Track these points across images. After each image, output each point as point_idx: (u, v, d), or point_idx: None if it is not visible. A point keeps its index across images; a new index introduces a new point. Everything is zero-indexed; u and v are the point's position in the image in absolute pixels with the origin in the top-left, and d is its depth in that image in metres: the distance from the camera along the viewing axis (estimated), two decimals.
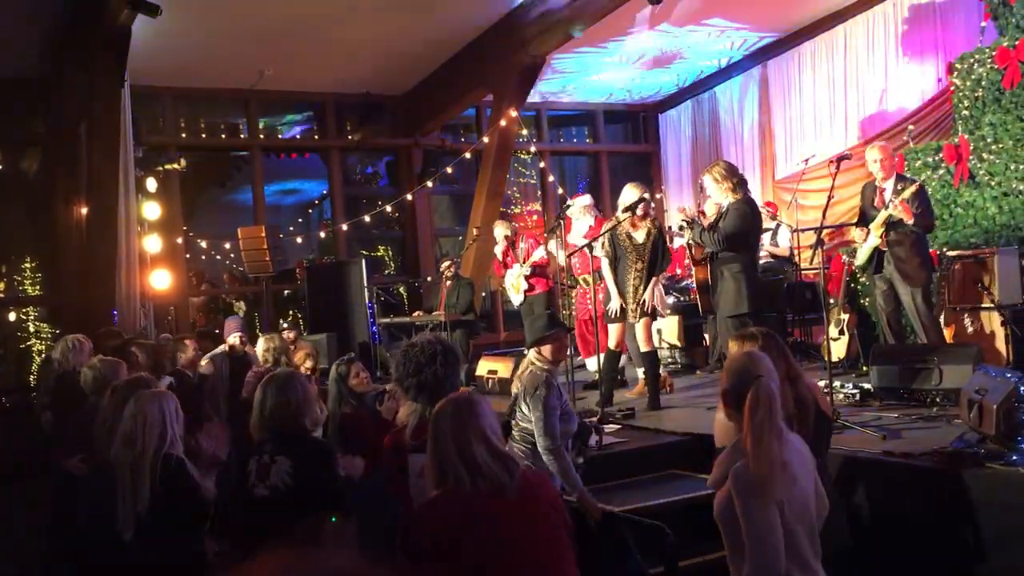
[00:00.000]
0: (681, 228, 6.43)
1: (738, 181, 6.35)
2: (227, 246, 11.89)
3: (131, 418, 3.64)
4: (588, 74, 12.84)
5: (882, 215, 6.71)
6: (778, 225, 9.74)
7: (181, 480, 3.61)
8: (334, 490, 3.55)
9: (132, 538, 3.51)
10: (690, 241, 10.02)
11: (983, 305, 7.08)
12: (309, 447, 3.62)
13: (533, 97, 11.79)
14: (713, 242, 6.27)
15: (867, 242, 6.85)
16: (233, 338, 8.04)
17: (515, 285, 9.31)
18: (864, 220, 6.95)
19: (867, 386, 6.42)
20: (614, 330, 7.11)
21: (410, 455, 3.35)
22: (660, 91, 14.31)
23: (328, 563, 0.92)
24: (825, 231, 6.49)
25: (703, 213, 10.15)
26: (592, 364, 8.11)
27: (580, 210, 8.38)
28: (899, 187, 6.74)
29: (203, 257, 12.92)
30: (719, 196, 6.42)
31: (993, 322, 6.95)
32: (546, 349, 4.49)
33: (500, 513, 2.68)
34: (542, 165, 13.70)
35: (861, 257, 6.98)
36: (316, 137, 13.18)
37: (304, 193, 14.38)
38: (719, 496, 2.82)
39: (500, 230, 9.49)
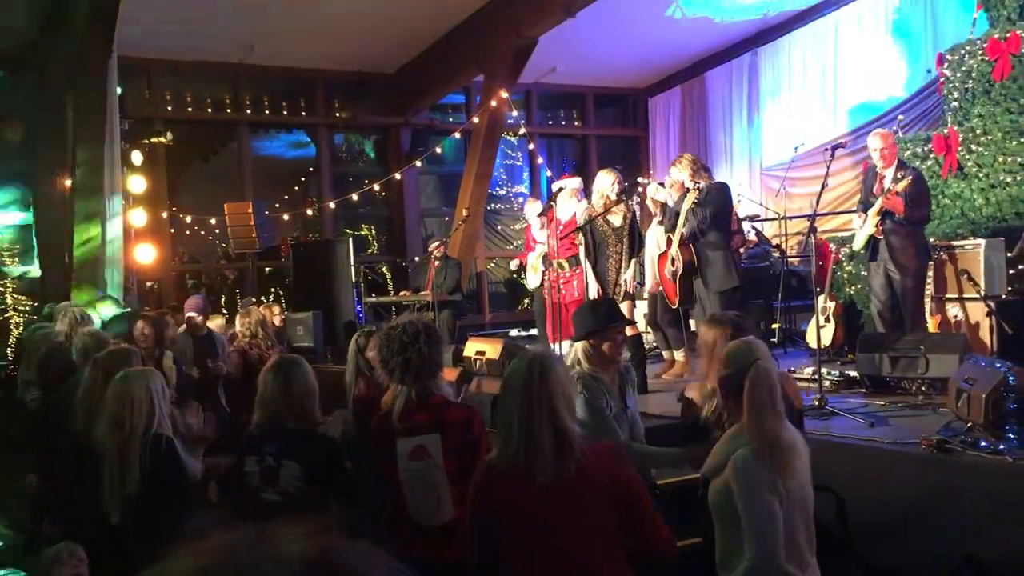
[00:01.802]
0: (685, 192, 6.49)
1: (705, 167, 6.70)
2: (213, 221, 11.80)
3: (117, 398, 3.52)
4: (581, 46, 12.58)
5: (878, 203, 6.75)
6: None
7: (171, 462, 3.52)
8: (346, 486, 3.47)
9: (120, 521, 3.43)
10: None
11: (968, 296, 7.14)
12: (317, 446, 3.49)
13: (524, 77, 11.75)
14: (702, 219, 6.33)
15: (863, 228, 6.88)
16: (190, 313, 7.92)
17: (535, 266, 9.28)
18: (865, 207, 7.00)
19: (853, 373, 6.47)
20: None
21: (399, 439, 3.32)
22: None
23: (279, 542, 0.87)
24: (814, 218, 6.51)
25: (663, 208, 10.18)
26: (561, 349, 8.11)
27: (569, 192, 8.35)
28: (899, 175, 6.76)
29: (187, 232, 12.82)
30: (690, 183, 6.52)
31: (978, 312, 7.00)
32: (601, 345, 3.78)
33: (541, 500, 2.66)
34: (531, 147, 13.67)
35: (858, 243, 7.02)
36: (304, 113, 13.09)
37: (298, 156, 14.09)
38: (716, 485, 2.82)
39: (531, 208, 9.47)
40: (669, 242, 6.77)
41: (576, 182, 8.53)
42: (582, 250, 7.06)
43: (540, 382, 2.73)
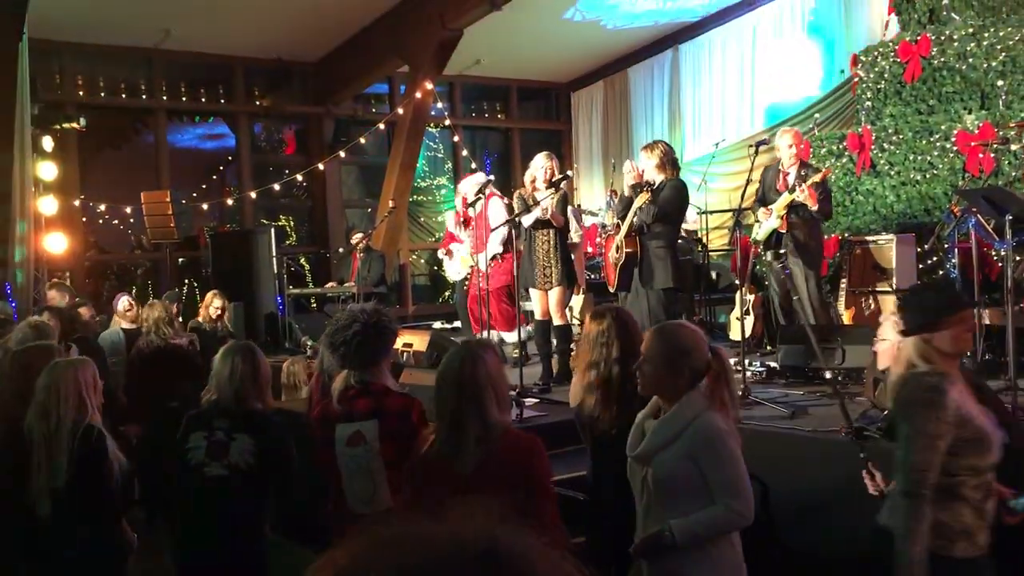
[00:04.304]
0: (638, 189, 6.46)
1: (674, 162, 6.56)
2: (128, 210, 11.45)
3: (44, 389, 3.46)
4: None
5: (785, 198, 6.97)
6: None
7: (100, 454, 3.46)
8: (291, 469, 3.50)
9: (48, 514, 3.37)
10: (605, 221, 10.16)
11: (880, 289, 7.42)
12: (272, 425, 3.53)
13: (448, 69, 11.71)
14: (649, 215, 6.38)
15: (767, 222, 7.11)
16: (123, 303, 7.73)
17: (464, 259, 9.25)
18: (763, 202, 7.24)
19: (773, 364, 6.67)
20: (538, 300, 7.11)
21: (338, 424, 3.34)
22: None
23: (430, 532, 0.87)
24: (739, 213, 6.69)
25: (615, 192, 10.31)
26: (510, 338, 8.13)
27: (472, 186, 8.27)
28: (803, 172, 7.02)
29: (100, 222, 12.41)
30: (652, 173, 6.51)
31: (889, 305, 7.28)
32: (943, 337, 2.88)
33: (458, 486, 2.75)
34: (456, 139, 13.64)
35: (760, 235, 7.24)
36: (223, 101, 12.80)
37: (216, 144, 13.72)
38: (668, 458, 2.90)
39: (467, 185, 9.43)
40: (618, 228, 6.82)
41: (480, 176, 8.48)
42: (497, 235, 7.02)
43: (471, 372, 2.85)
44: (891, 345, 3.99)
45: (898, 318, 3.50)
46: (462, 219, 8.69)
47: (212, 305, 8.00)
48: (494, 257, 8.07)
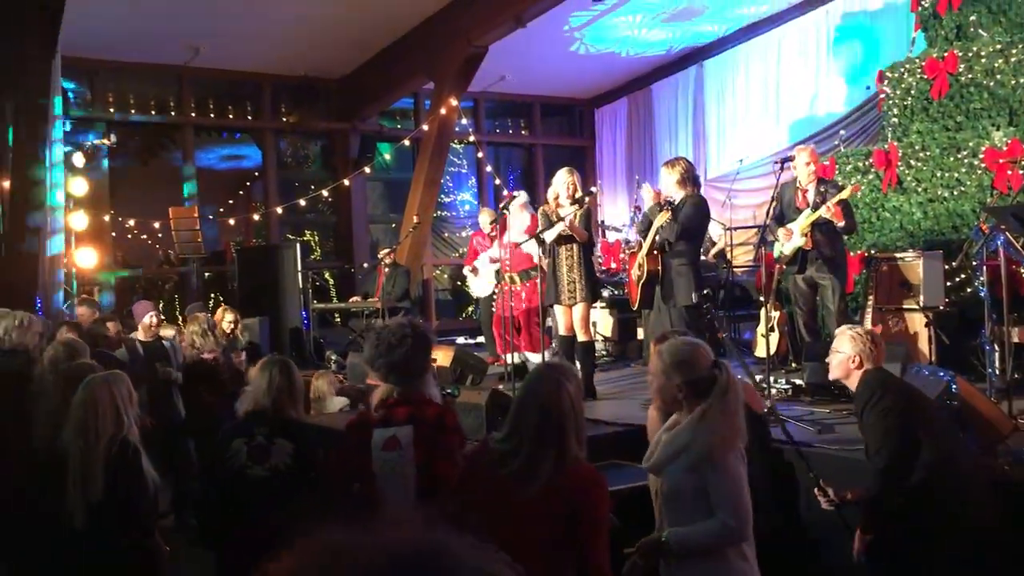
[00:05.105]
0: (662, 207, 6.47)
1: (695, 179, 6.56)
2: (156, 225, 11.59)
3: (81, 405, 3.53)
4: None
5: (809, 216, 6.93)
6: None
7: (136, 468, 3.54)
8: (322, 473, 3.63)
9: (84, 528, 3.43)
10: (629, 237, 10.14)
11: (907, 306, 7.36)
12: (308, 432, 3.73)
13: (473, 86, 11.79)
14: (672, 233, 6.39)
15: (791, 242, 7.07)
16: (149, 318, 7.69)
17: (490, 276, 9.32)
18: (780, 220, 7.20)
19: (799, 382, 6.62)
20: (561, 316, 7.11)
21: (375, 430, 3.40)
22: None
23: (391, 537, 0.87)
24: (765, 229, 6.68)
25: (638, 209, 10.32)
26: (535, 358, 8.13)
27: (518, 208, 8.39)
28: (822, 189, 6.98)
29: (128, 236, 12.57)
30: (672, 189, 6.52)
31: (917, 323, 7.22)
32: None
33: (514, 509, 2.74)
34: (480, 155, 13.70)
35: (787, 251, 7.19)
36: (250, 117, 12.95)
37: (243, 161, 13.89)
38: (675, 471, 2.99)
39: (485, 218, 9.53)
40: (640, 245, 6.83)
41: (524, 197, 8.58)
42: (538, 254, 7.05)
43: (556, 399, 2.84)
44: (845, 357, 3.97)
45: (853, 333, 3.82)
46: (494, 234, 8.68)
47: (225, 320, 8.02)
48: (530, 276, 8.11)
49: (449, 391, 5.53)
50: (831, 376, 4.23)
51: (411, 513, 0.91)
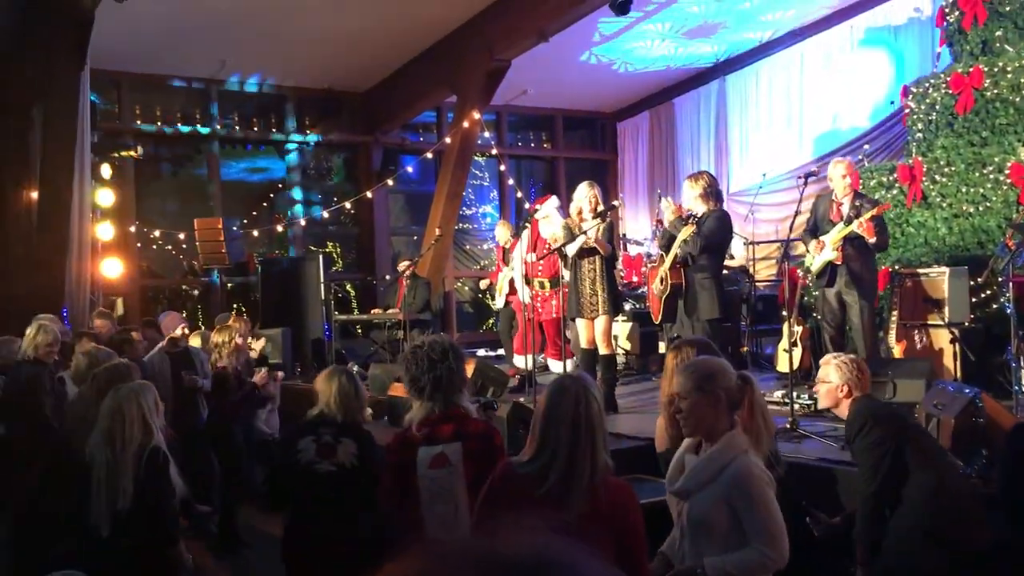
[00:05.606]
0: (686, 220, 6.48)
1: (718, 193, 6.57)
2: (181, 236, 11.70)
3: (108, 414, 3.58)
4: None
5: (841, 230, 6.87)
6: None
7: (164, 476, 3.58)
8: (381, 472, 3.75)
9: (110, 535, 3.46)
10: (651, 251, 10.13)
11: (932, 322, 7.30)
12: (368, 436, 3.96)
13: (495, 99, 11.84)
14: (695, 247, 6.39)
15: (822, 255, 7.01)
16: (180, 330, 7.78)
17: (500, 287, 9.31)
18: (814, 233, 7.14)
19: None
20: (583, 329, 7.09)
21: (420, 448, 3.37)
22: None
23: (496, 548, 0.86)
24: (788, 244, 6.65)
25: (660, 222, 10.29)
26: (557, 367, 8.12)
27: (555, 210, 8.30)
28: (857, 203, 6.92)
29: (153, 247, 12.70)
30: (694, 203, 6.53)
31: (942, 339, 7.16)
32: None
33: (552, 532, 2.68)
34: (502, 168, 13.75)
35: (815, 267, 7.14)
36: (274, 130, 13.06)
37: (267, 173, 13.97)
38: (705, 499, 2.91)
39: (502, 231, 9.57)
40: (662, 259, 6.82)
41: (555, 201, 8.53)
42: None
43: (585, 410, 2.75)
44: (833, 387, 3.97)
45: (838, 362, 3.84)
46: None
47: (232, 331, 7.96)
48: (559, 284, 8.12)
49: (488, 401, 5.63)
50: (820, 406, 4.26)
51: (530, 520, 0.91)
